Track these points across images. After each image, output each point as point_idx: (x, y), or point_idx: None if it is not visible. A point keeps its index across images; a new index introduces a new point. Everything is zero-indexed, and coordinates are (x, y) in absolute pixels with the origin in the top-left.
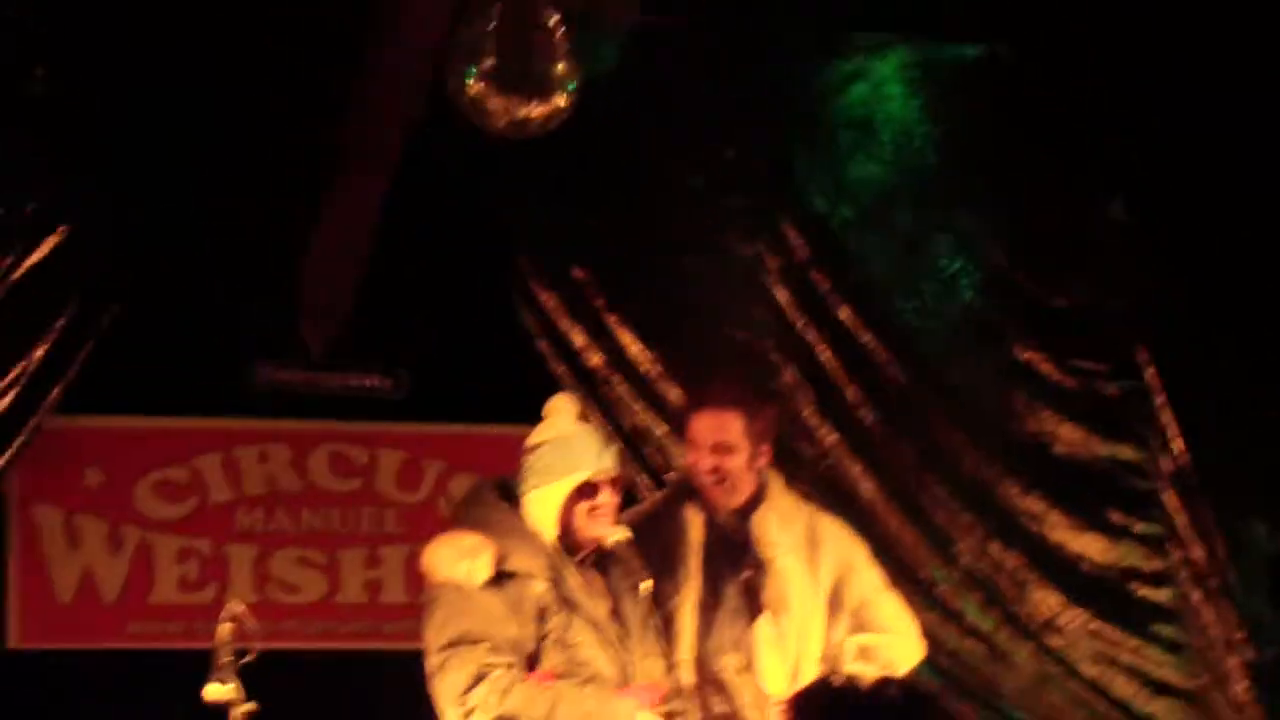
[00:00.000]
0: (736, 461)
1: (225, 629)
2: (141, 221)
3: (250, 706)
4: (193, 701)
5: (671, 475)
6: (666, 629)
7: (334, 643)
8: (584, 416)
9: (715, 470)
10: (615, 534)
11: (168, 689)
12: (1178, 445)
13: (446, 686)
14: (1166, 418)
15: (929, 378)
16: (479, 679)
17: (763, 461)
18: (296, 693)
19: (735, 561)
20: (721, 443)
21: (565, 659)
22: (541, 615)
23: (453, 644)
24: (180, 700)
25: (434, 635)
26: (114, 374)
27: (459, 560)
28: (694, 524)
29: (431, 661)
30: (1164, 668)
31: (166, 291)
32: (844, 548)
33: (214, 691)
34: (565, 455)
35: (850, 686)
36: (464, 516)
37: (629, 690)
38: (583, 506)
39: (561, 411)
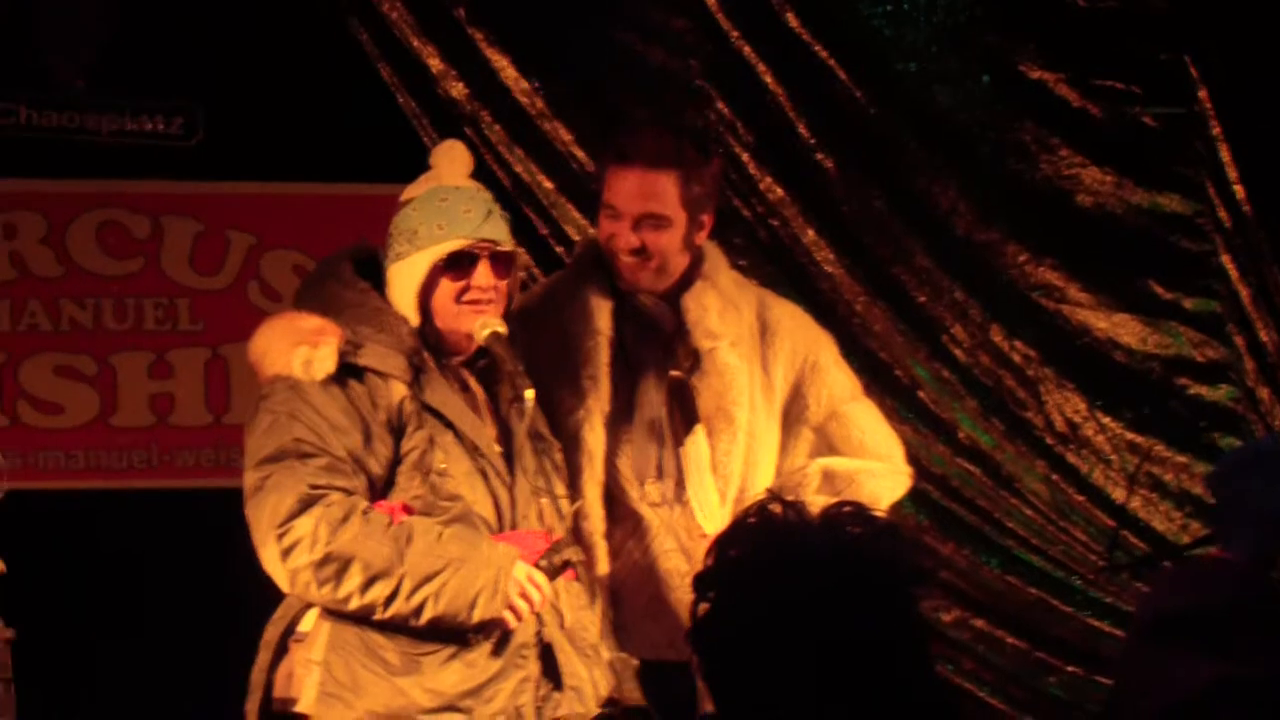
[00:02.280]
0: (670, 238)
1: None
2: None
3: None
4: None
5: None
6: (569, 452)
7: (109, 480)
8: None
9: (641, 249)
10: (485, 325)
11: None
12: (1240, 192)
13: (264, 512)
14: (1225, 155)
15: (907, 108)
16: (307, 504)
17: (702, 235)
18: (60, 546)
19: (660, 358)
20: (651, 213)
21: (427, 489)
22: (399, 428)
23: (276, 457)
24: None
25: (255, 445)
26: None
27: (295, 348)
28: (601, 310)
29: (249, 479)
30: None
31: None
32: (805, 341)
33: None
34: (434, 216)
35: (795, 516)
36: (309, 295)
37: (507, 536)
38: (449, 288)
39: (446, 161)
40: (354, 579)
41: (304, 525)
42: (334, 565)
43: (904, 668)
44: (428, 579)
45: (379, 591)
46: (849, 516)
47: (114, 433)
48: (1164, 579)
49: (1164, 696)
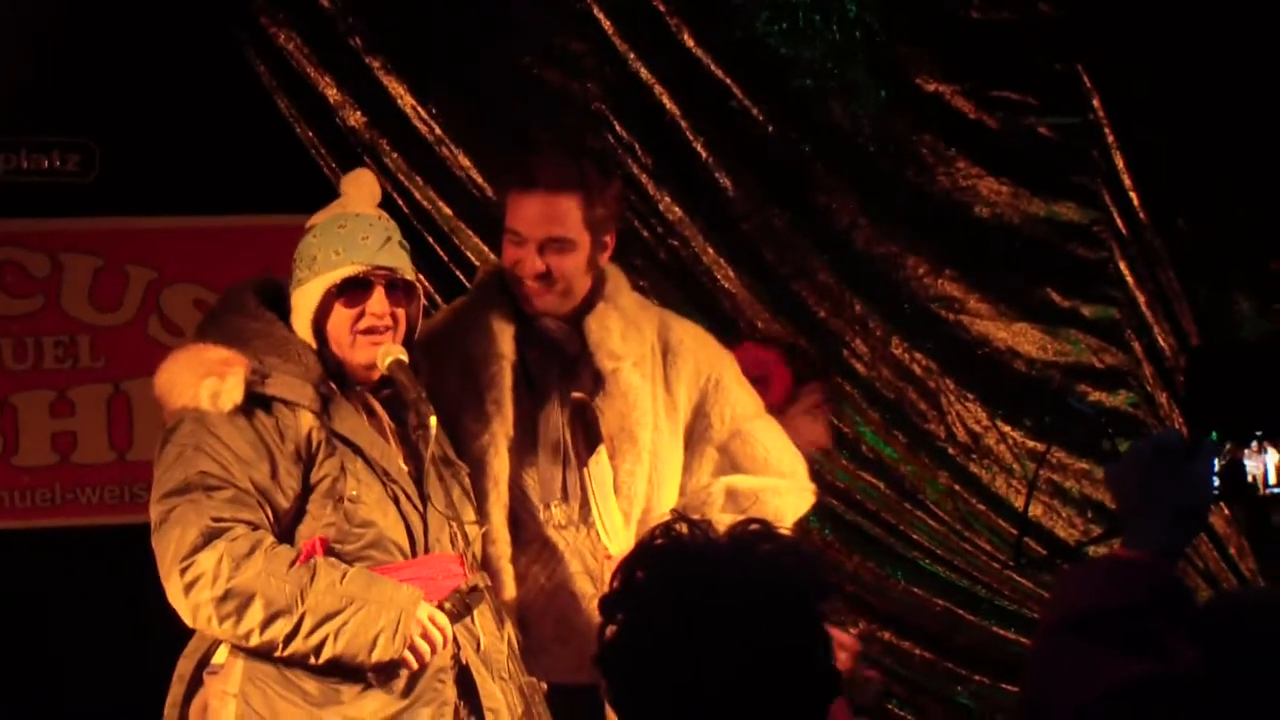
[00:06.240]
0: (575, 261)
1: None
2: None
3: None
4: None
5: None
6: (474, 477)
7: (13, 520)
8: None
9: (547, 273)
10: (388, 354)
11: None
12: (1135, 199)
13: (169, 546)
14: (1120, 163)
15: (804, 124)
16: (210, 538)
17: (605, 257)
18: None
19: (563, 381)
20: (555, 238)
21: (340, 517)
22: (309, 458)
23: (181, 490)
24: None
25: (161, 477)
26: None
27: (202, 380)
28: (503, 335)
29: (155, 512)
30: None
31: None
32: (707, 360)
33: None
34: (332, 243)
35: (702, 536)
36: (213, 327)
37: (412, 565)
38: (344, 315)
39: (354, 189)
40: (254, 615)
41: (207, 560)
42: (235, 601)
43: (811, 684)
44: (328, 618)
45: (279, 629)
46: (756, 535)
47: (16, 472)
48: (1072, 578)
49: (1080, 695)
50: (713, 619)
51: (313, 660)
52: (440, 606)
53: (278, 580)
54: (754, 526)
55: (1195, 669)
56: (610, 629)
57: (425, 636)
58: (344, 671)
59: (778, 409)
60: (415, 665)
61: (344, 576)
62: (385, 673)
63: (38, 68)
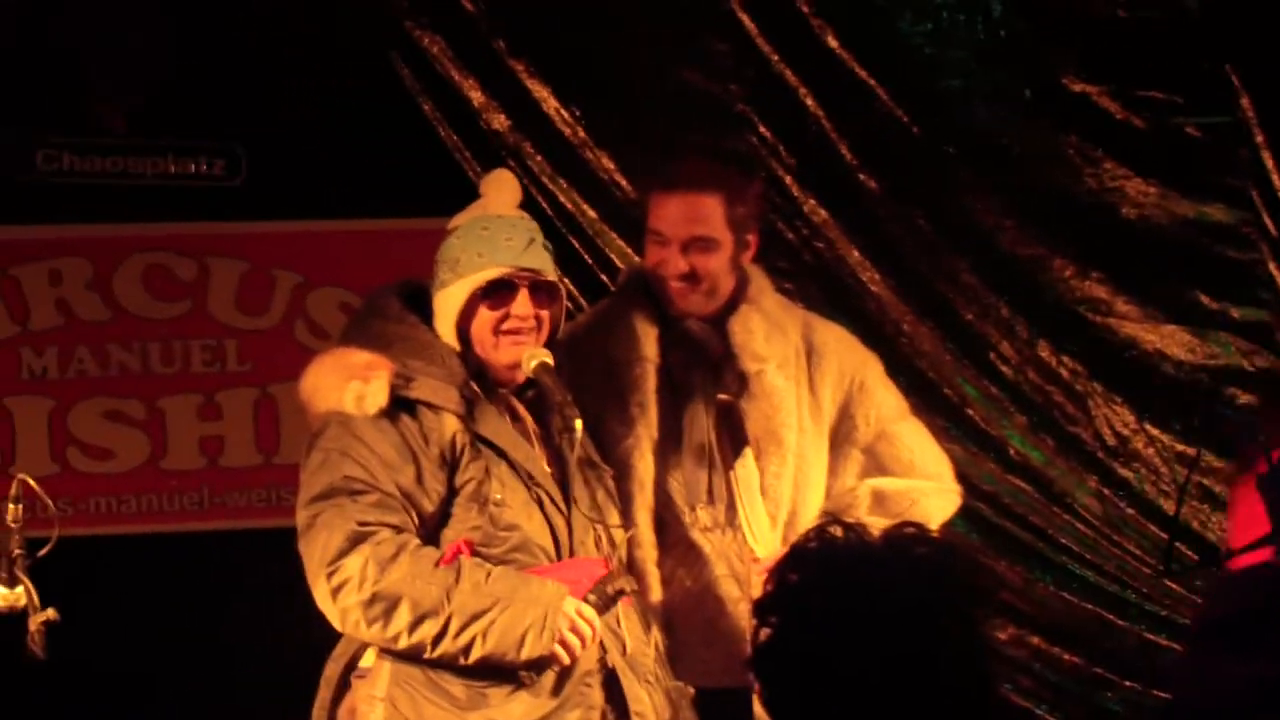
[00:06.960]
0: (718, 260)
1: (12, 513)
2: None
3: (49, 614)
4: None
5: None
6: (619, 480)
7: (161, 524)
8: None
9: (691, 273)
10: (533, 356)
11: None
12: None
13: (315, 550)
14: (1269, 163)
15: (949, 125)
16: (355, 542)
17: (748, 256)
18: (112, 591)
19: (706, 383)
20: (698, 237)
21: (485, 520)
22: (453, 461)
23: (326, 494)
24: None
25: (307, 482)
26: None
27: (346, 384)
28: (647, 336)
29: (301, 517)
30: None
31: None
32: (852, 362)
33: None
34: (475, 245)
35: (856, 539)
36: (357, 331)
37: (557, 568)
38: (488, 317)
39: (494, 190)
40: (402, 618)
41: (353, 564)
42: (382, 604)
43: (968, 689)
44: (475, 617)
45: (427, 630)
46: (911, 538)
47: (164, 476)
48: (1223, 583)
49: (1199, 699)
50: (869, 623)
51: (462, 660)
52: (585, 599)
53: (423, 582)
54: (909, 530)
55: None
56: (764, 632)
57: (574, 630)
58: (491, 674)
59: None
60: (566, 660)
61: (489, 576)
62: (534, 674)
63: (185, 73)
